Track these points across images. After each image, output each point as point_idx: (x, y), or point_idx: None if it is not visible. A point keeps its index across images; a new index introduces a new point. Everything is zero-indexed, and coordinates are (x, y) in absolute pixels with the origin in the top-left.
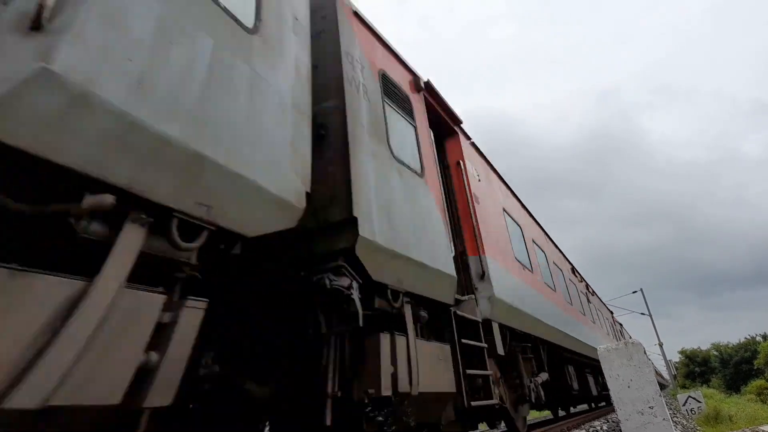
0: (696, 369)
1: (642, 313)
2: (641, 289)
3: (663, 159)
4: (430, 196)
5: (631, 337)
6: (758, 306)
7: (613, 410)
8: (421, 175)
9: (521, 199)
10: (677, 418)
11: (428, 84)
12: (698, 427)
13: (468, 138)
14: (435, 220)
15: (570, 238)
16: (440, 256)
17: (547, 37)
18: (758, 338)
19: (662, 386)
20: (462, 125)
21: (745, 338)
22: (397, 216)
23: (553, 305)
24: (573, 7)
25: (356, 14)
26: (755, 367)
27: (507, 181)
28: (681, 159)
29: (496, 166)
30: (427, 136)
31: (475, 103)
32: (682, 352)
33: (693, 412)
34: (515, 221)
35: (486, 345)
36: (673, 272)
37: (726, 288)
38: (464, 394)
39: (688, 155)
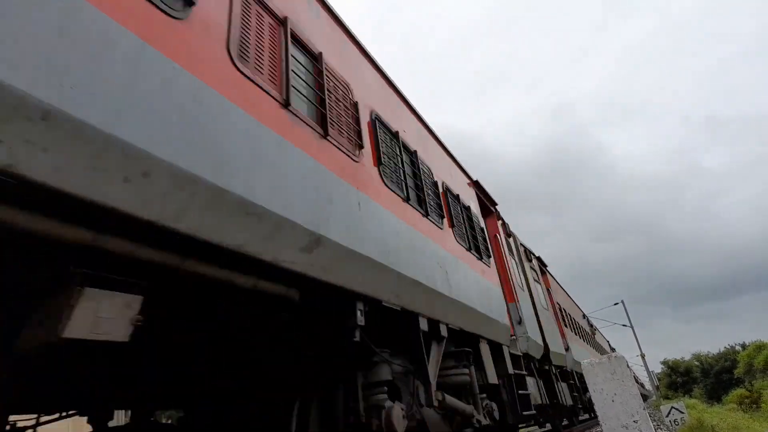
0: (678, 379)
1: (624, 325)
2: (622, 301)
3: (625, 173)
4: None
5: (614, 350)
6: (732, 316)
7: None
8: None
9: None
10: (661, 429)
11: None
12: None
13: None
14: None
15: (538, 252)
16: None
17: (501, 56)
18: (737, 348)
19: (645, 397)
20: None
21: (725, 348)
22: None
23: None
24: (525, 27)
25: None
26: (735, 377)
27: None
28: (643, 173)
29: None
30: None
31: (434, 120)
32: (664, 363)
33: (676, 423)
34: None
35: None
36: (646, 286)
37: (699, 299)
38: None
39: (650, 169)
